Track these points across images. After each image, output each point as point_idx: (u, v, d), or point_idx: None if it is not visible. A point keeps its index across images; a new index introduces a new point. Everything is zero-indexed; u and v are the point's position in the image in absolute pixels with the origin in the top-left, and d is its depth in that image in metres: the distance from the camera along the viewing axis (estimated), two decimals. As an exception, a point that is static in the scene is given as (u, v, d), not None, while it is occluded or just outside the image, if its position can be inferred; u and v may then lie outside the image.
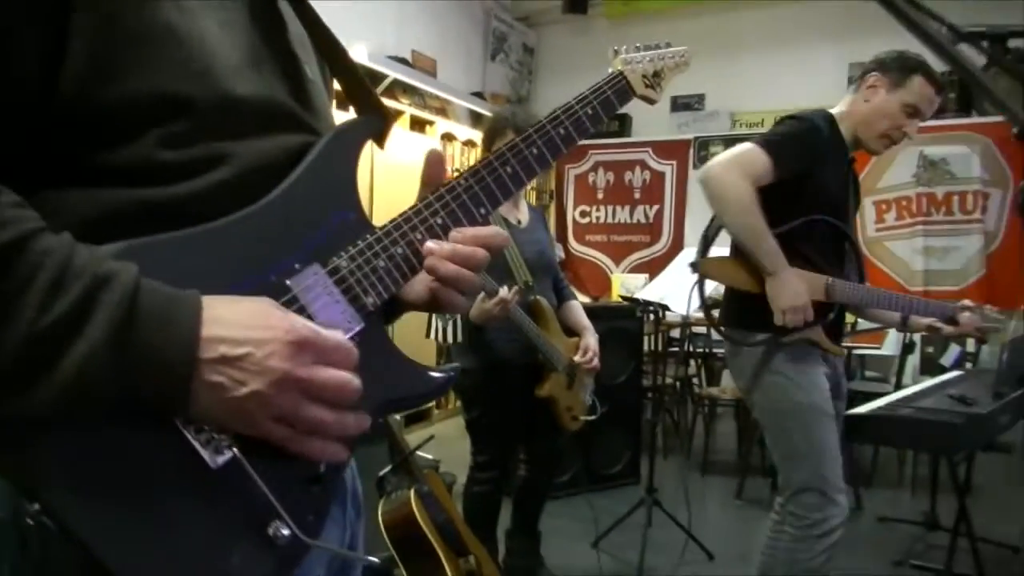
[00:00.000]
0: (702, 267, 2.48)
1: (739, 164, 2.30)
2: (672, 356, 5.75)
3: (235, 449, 0.70)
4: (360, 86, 0.93)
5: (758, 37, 6.85)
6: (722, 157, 2.36)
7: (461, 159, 6.70)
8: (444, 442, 3.65)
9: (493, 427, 2.97)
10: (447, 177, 0.93)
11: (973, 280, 6.02)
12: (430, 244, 0.86)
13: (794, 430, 2.39)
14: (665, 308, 4.21)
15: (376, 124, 0.92)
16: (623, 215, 7.57)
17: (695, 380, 6.09)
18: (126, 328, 0.63)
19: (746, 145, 2.34)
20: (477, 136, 6.70)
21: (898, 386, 4.88)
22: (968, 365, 5.08)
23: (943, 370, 4.79)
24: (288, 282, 0.78)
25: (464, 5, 7.12)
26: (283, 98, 0.84)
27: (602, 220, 7.64)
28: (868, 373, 5.95)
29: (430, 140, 6.16)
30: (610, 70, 1.09)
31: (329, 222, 0.83)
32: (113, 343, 0.62)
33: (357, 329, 0.81)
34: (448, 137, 6.56)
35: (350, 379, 0.73)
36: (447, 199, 0.90)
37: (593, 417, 3.10)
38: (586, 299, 6.04)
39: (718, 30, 6.80)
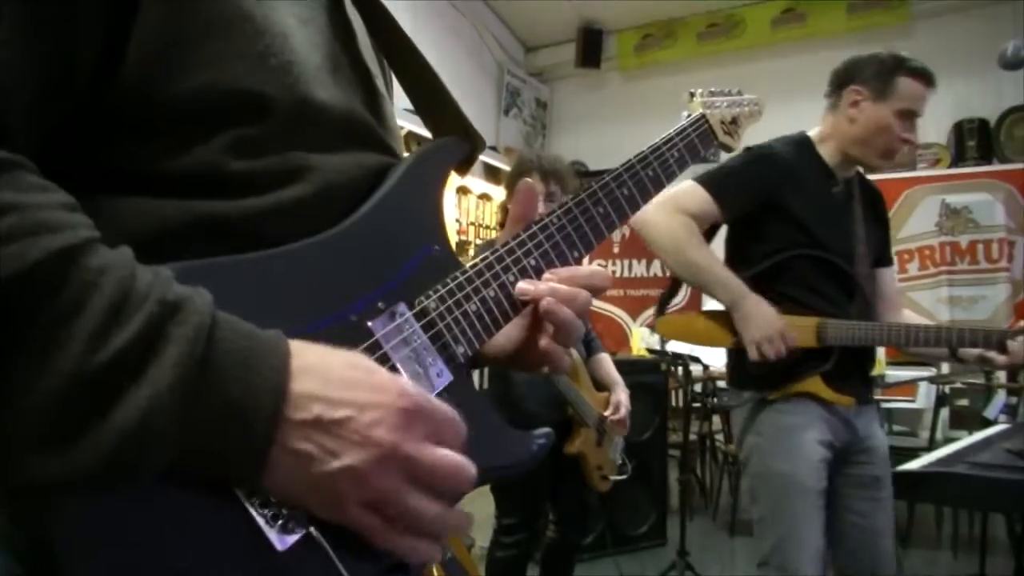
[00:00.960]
0: (659, 327, 2.33)
1: (672, 202, 2.12)
2: (694, 412, 5.60)
3: (312, 527, 0.57)
4: (444, 103, 0.82)
5: (776, 87, 6.81)
6: (658, 197, 2.16)
7: (476, 212, 6.63)
8: (461, 502, 3.50)
9: (520, 487, 2.82)
10: (537, 213, 0.83)
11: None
12: (523, 285, 0.76)
13: (764, 496, 2.18)
14: (697, 360, 4.08)
15: (464, 148, 0.81)
16: (640, 269, 7.46)
17: (718, 436, 5.92)
18: (200, 372, 0.50)
19: (686, 183, 2.17)
20: (491, 189, 6.65)
21: (931, 441, 4.71)
22: (1003, 417, 4.91)
23: (976, 425, 4.61)
24: (370, 324, 0.67)
25: (478, 60, 7.14)
26: (361, 111, 0.74)
27: (619, 274, 7.53)
28: (895, 427, 5.78)
29: (446, 193, 6.11)
30: (685, 113, 1.02)
31: (414, 256, 0.73)
32: (182, 391, 0.49)
33: (446, 383, 0.70)
34: (463, 190, 6.51)
35: (466, 464, 0.60)
36: (540, 239, 0.80)
37: (623, 477, 2.96)
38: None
39: (734, 81, 6.67)
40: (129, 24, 0.57)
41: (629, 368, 4.49)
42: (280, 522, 0.56)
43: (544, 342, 0.78)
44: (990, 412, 4.20)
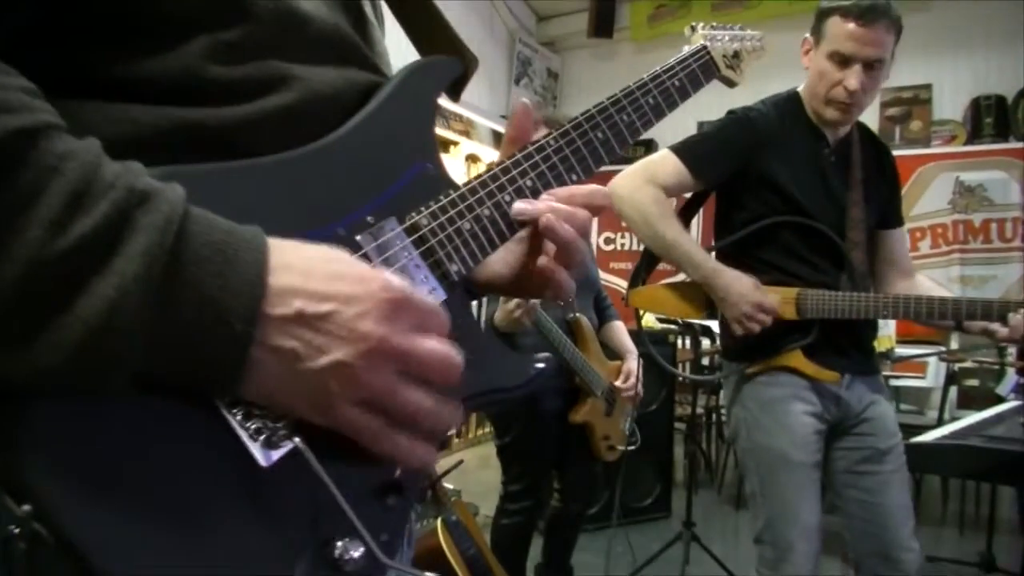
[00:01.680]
0: (631, 299, 2.23)
1: (643, 171, 2.04)
2: (701, 385, 5.57)
3: (297, 439, 0.54)
4: (434, 23, 0.79)
5: (792, 59, 6.73)
6: (631, 166, 2.09)
7: (485, 182, 6.60)
8: (465, 471, 3.50)
9: (527, 454, 2.80)
10: (534, 135, 0.80)
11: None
12: (520, 205, 0.73)
13: (753, 472, 2.11)
14: (708, 332, 4.05)
15: (456, 67, 0.78)
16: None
17: (724, 411, 5.90)
18: (170, 264, 0.46)
19: (660, 152, 2.09)
20: (501, 160, 6.62)
21: (940, 420, 4.69)
22: (1013, 396, 4.87)
23: (985, 405, 4.58)
24: (358, 238, 0.64)
25: (489, 29, 7.06)
26: (347, 28, 0.71)
27: (627, 247, 7.49)
28: (902, 406, 5.75)
29: (453, 160, 6.08)
30: (686, 48, 1.00)
31: (405, 172, 0.70)
32: (150, 283, 0.45)
33: (440, 300, 0.67)
34: (472, 158, 6.48)
35: (454, 354, 0.57)
36: (537, 159, 0.77)
37: (632, 447, 2.94)
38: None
39: (747, 54, 6.68)
40: None
41: (637, 339, 4.47)
42: (264, 436, 0.53)
43: (544, 261, 0.76)
44: (1002, 389, 4.17)
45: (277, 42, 0.62)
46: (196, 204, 0.50)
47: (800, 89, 2.17)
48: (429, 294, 0.67)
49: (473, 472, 3.97)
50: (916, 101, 6.31)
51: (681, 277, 2.15)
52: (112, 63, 0.56)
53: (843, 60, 1.99)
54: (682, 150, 2.06)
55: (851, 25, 1.95)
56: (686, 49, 0.99)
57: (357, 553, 0.56)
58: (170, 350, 0.47)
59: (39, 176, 0.44)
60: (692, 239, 2.08)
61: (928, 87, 6.19)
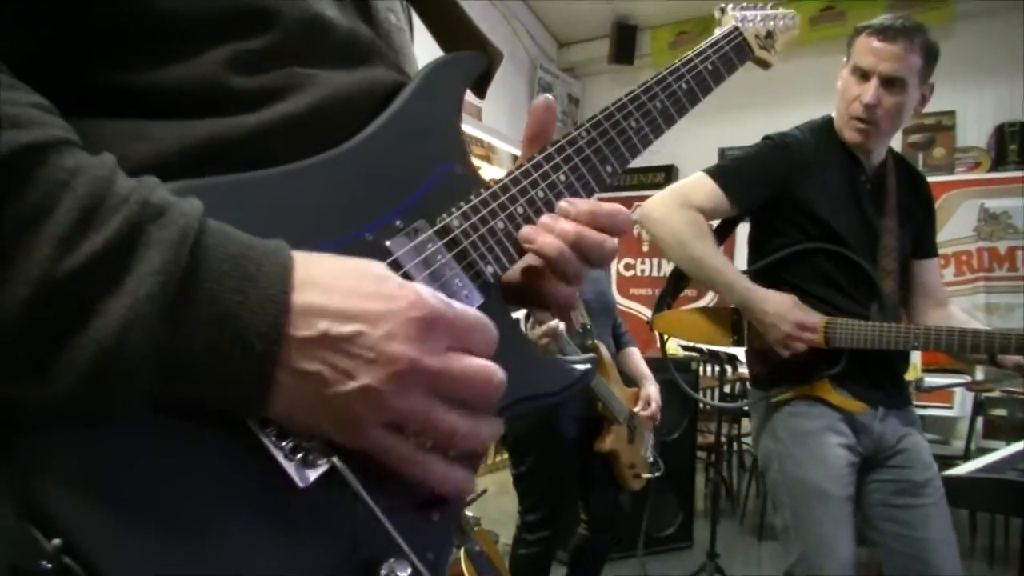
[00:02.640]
0: (656, 323, 2.19)
1: (677, 194, 2.01)
2: (725, 412, 5.52)
3: (335, 458, 0.52)
4: (457, 19, 0.76)
5: (814, 86, 6.71)
6: (665, 189, 2.07)
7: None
8: (484, 498, 3.47)
9: (544, 483, 2.77)
10: (552, 134, 0.77)
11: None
12: (527, 231, 0.68)
13: (786, 505, 2.05)
14: (734, 360, 4.01)
15: (480, 62, 0.74)
16: (669, 268, 7.38)
17: (746, 439, 5.83)
18: (186, 280, 0.44)
19: (695, 175, 2.05)
20: (521, 185, 6.61)
21: (967, 450, 4.61)
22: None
23: (1013, 435, 4.50)
24: (388, 243, 0.61)
25: (510, 54, 7.09)
26: (371, 34, 0.69)
27: (647, 273, 7.46)
28: (928, 435, 5.66)
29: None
30: (718, 30, 0.97)
31: (433, 173, 0.67)
32: (165, 302, 0.43)
33: (477, 304, 0.65)
34: (494, 183, 6.48)
35: (496, 370, 0.54)
36: (569, 152, 0.74)
37: (657, 475, 2.90)
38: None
39: (767, 80, 6.60)
40: None
41: (659, 366, 4.43)
42: (300, 455, 0.51)
43: (550, 284, 0.72)
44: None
45: (300, 50, 0.61)
46: (215, 217, 0.48)
47: (834, 115, 2.15)
48: (465, 298, 0.64)
49: (492, 499, 3.92)
50: (939, 128, 6.27)
51: (705, 302, 2.13)
52: (131, 77, 0.54)
53: (863, 74, 1.98)
54: (718, 174, 2.04)
55: (873, 40, 1.97)
56: (717, 32, 0.96)
57: (404, 574, 0.53)
58: (188, 371, 0.45)
59: (49, 192, 0.43)
60: (727, 260, 2.05)
61: (951, 113, 6.15)
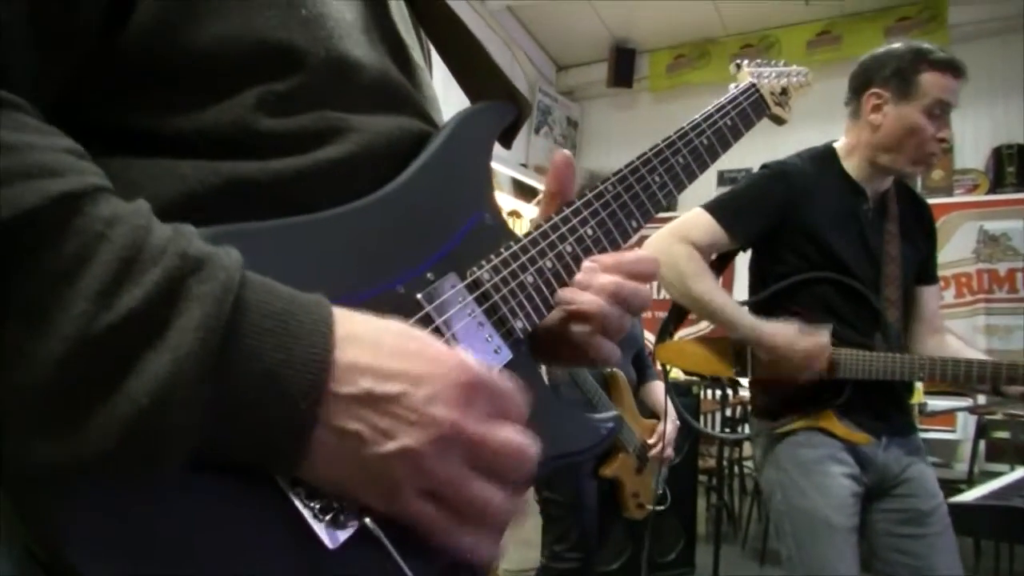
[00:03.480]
0: (658, 354, 2.18)
1: (677, 231, 1.99)
2: (726, 443, 5.49)
3: (367, 519, 0.50)
4: (484, 66, 0.76)
5: (811, 110, 6.73)
6: (664, 226, 2.05)
7: (505, 230, 6.59)
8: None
9: (568, 509, 2.71)
10: (573, 188, 0.77)
11: (1041, 361, 5.73)
12: (565, 294, 0.69)
13: (789, 535, 2.00)
14: (736, 384, 3.98)
15: (509, 112, 0.74)
16: (660, 283, 7.37)
17: (747, 463, 5.80)
18: (228, 337, 0.43)
19: (694, 210, 2.04)
20: (520, 206, 6.61)
21: (971, 473, 4.58)
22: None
23: (1016, 457, 4.48)
24: (419, 296, 0.61)
25: (509, 77, 7.13)
26: (397, 74, 0.69)
27: (653, 296, 7.45)
28: (931, 459, 5.63)
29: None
30: (732, 86, 0.98)
31: (464, 224, 0.66)
32: (207, 358, 0.42)
33: (505, 361, 0.65)
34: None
35: (531, 445, 0.53)
36: (596, 206, 0.75)
37: (662, 507, 2.86)
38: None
39: (767, 103, 6.71)
40: None
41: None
42: (330, 515, 0.50)
43: (584, 331, 0.70)
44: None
45: (331, 91, 0.60)
46: (249, 267, 0.47)
47: (838, 145, 2.14)
48: (495, 353, 0.64)
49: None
50: (937, 150, 6.29)
51: (704, 325, 2.12)
52: (160, 118, 0.54)
53: (942, 112, 1.97)
54: (715, 207, 2.02)
55: (949, 79, 1.97)
56: (734, 88, 0.97)
57: None
58: (228, 429, 0.44)
59: (85, 244, 0.41)
60: (728, 296, 2.03)
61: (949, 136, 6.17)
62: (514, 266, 0.67)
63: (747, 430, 5.39)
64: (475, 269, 0.65)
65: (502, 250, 0.67)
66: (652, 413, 2.89)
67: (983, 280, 5.93)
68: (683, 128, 0.85)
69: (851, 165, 2.08)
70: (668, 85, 7.36)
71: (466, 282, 0.64)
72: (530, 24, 7.17)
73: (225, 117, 0.55)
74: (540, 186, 2.60)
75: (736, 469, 5.64)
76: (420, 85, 0.74)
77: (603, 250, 0.74)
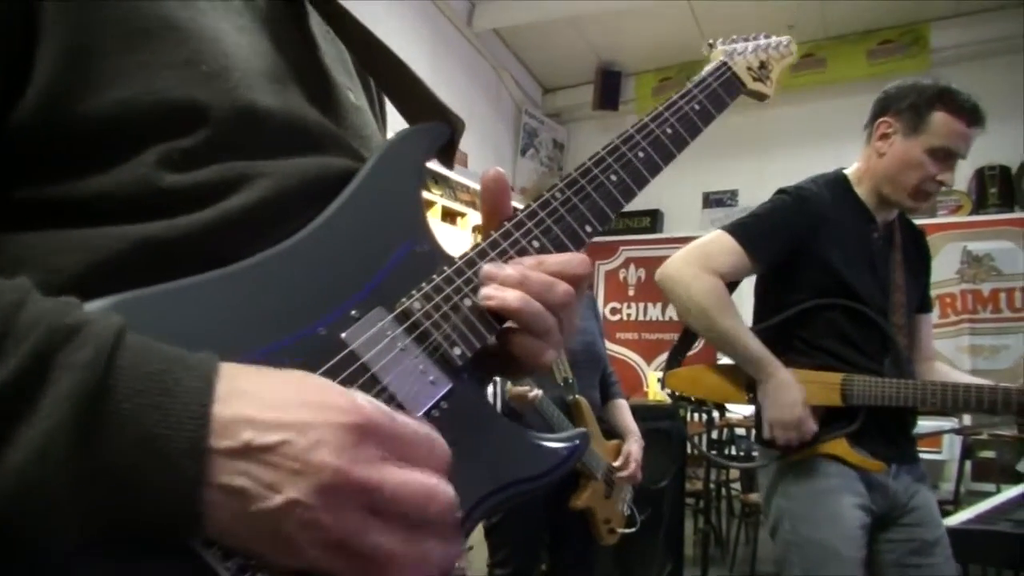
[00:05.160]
0: (668, 381, 2.14)
1: (701, 256, 1.96)
2: (716, 463, 5.48)
3: None
4: (416, 91, 0.74)
5: (793, 133, 6.80)
6: (684, 249, 2.01)
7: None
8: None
9: (517, 535, 2.69)
10: (510, 206, 0.71)
11: (1024, 381, 5.76)
12: (487, 290, 0.63)
13: (797, 566, 1.96)
14: (721, 408, 3.97)
15: (442, 133, 0.72)
16: (655, 312, 7.38)
17: (735, 485, 5.79)
18: (100, 402, 0.42)
19: (714, 233, 2.01)
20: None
21: (957, 493, 4.58)
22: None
23: (1002, 478, 4.48)
24: (343, 335, 0.58)
25: (496, 100, 7.15)
26: (319, 118, 0.67)
27: (633, 317, 7.45)
28: (918, 479, 5.64)
29: (461, 232, 6.09)
30: (707, 67, 0.93)
31: (392, 255, 0.64)
32: (79, 426, 0.41)
33: (444, 390, 0.61)
34: (479, 229, 6.48)
35: (438, 486, 0.49)
36: (541, 216, 0.70)
37: (632, 530, 2.84)
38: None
39: (752, 125, 6.72)
40: (29, 49, 0.52)
41: (645, 414, 4.40)
42: (248, 575, 0.47)
43: (517, 339, 0.65)
44: (1023, 466, 4.09)
45: (237, 142, 0.59)
46: (149, 330, 0.46)
47: (849, 171, 2.14)
48: (430, 384, 0.60)
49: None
50: (921, 171, 6.34)
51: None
52: (56, 186, 0.53)
53: (947, 156, 1.97)
54: (738, 231, 1.99)
55: (963, 125, 1.95)
56: (705, 69, 0.92)
57: None
58: (112, 497, 0.42)
59: None
60: (752, 335, 2.00)
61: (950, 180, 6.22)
62: (448, 291, 0.63)
63: (733, 452, 5.38)
64: (404, 300, 0.62)
65: (434, 276, 0.64)
66: (614, 433, 2.86)
67: (967, 300, 5.96)
68: (642, 120, 0.80)
69: (862, 191, 2.08)
70: (654, 107, 7.39)
71: (394, 314, 0.61)
72: (517, 47, 7.21)
73: (127, 178, 0.54)
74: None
75: (724, 491, 5.61)
76: (351, 125, 0.72)
77: None
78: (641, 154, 0.77)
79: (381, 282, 0.62)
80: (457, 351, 0.62)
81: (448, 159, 0.73)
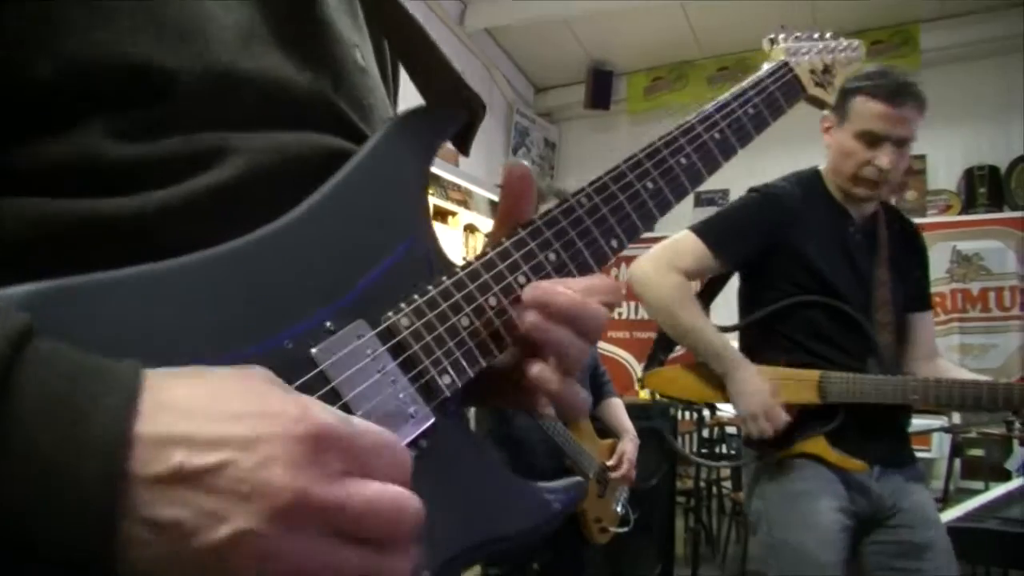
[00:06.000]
0: (647, 381, 2.17)
1: (667, 255, 1.97)
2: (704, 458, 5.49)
3: None
4: (433, 61, 0.63)
5: (784, 132, 6.78)
6: (653, 248, 2.02)
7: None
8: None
9: None
10: (531, 210, 0.62)
11: (1015, 380, 5.77)
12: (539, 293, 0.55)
13: (774, 569, 1.94)
14: (713, 408, 3.98)
15: (458, 116, 0.62)
16: (646, 311, 7.37)
17: (726, 484, 5.80)
18: None
19: (682, 232, 2.02)
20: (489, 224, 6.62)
21: (946, 491, 4.60)
22: None
23: (991, 475, 4.50)
24: (314, 351, 0.49)
25: (487, 99, 7.03)
26: (313, 83, 0.58)
27: (624, 316, 7.45)
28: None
29: (452, 231, 6.08)
30: (766, 65, 0.84)
31: (385, 258, 0.54)
32: None
33: (425, 427, 0.52)
34: (470, 228, 6.48)
35: (408, 498, 0.43)
36: (563, 225, 0.60)
37: (625, 529, 2.83)
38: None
39: (742, 125, 6.75)
40: None
41: (638, 412, 4.40)
42: None
43: (536, 370, 0.57)
44: (1011, 464, 4.11)
45: (207, 112, 0.51)
46: (73, 329, 0.40)
47: (822, 167, 2.13)
48: (411, 419, 0.51)
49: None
50: (911, 171, 6.36)
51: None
52: (3, 152, 0.47)
53: (873, 140, 1.95)
54: (703, 230, 2.01)
55: (880, 105, 1.93)
56: (764, 67, 0.82)
57: None
58: (19, 535, 0.36)
59: None
60: (713, 327, 2.01)
61: (922, 158, 6.24)
62: (444, 307, 0.54)
63: (724, 451, 5.38)
64: (391, 313, 0.53)
65: (429, 288, 0.55)
66: (608, 431, 2.85)
67: (957, 300, 5.99)
68: (688, 122, 0.69)
69: (832, 188, 2.08)
70: (646, 107, 7.40)
71: (378, 330, 0.52)
72: (508, 46, 7.20)
73: (69, 148, 0.47)
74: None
75: (714, 490, 5.62)
76: (352, 89, 0.62)
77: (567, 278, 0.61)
78: (684, 160, 0.68)
79: (366, 290, 0.53)
80: (447, 379, 0.54)
81: (464, 145, 0.64)
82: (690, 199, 7.73)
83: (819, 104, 0.90)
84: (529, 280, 0.58)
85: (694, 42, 6.93)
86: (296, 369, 0.48)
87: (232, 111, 0.52)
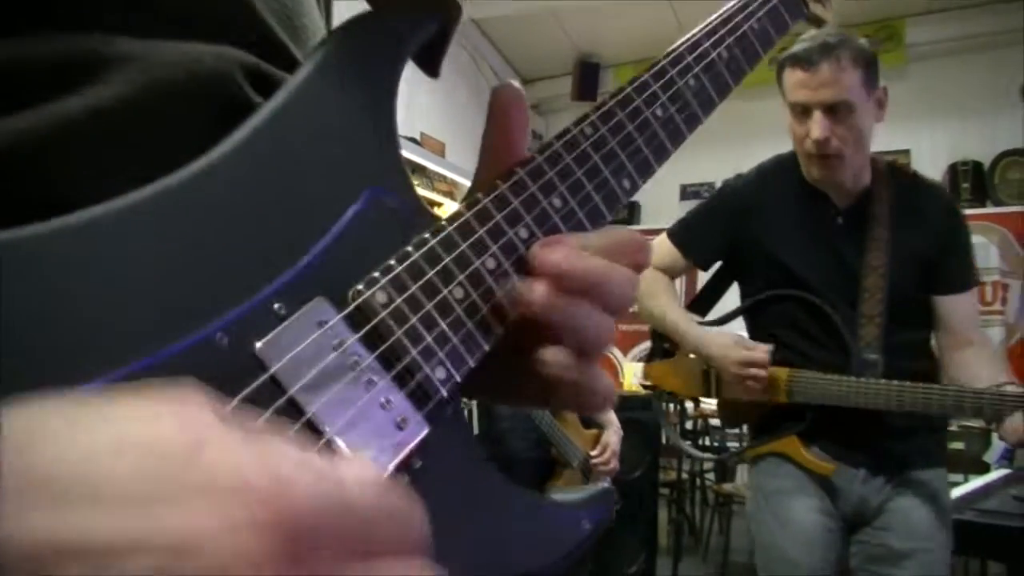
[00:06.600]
0: (646, 374, 2.20)
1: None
2: (705, 461, 5.51)
3: None
4: None
5: (770, 126, 6.79)
6: None
7: (468, 243, 6.58)
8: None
9: None
10: (525, 140, 0.49)
11: (996, 374, 5.82)
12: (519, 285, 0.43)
13: (762, 569, 1.88)
14: (697, 400, 3.99)
15: (424, 25, 0.45)
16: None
17: (709, 475, 5.83)
18: None
19: (658, 237, 2.04)
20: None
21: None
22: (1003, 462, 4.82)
23: (972, 468, 4.54)
24: (259, 345, 0.35)
25: (474, 90, 7.13)
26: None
27: (614, 308, 7.47)
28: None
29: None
30: None
31: (344, 213, 0.40)
32: None
33: (417, 439, 0.38)
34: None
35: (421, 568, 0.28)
36: (567, 162, 0.48)
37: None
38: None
39: (730, 118, 6.71)
40: None
41: (621, 404, 4.40)
42: None
43: (551, 354, 0.43)
44: (989, 457, 4.15)
45: (97, 9, 0.36)
46: None
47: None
48: (398, 431, 0.37)
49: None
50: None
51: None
52: None
53: (802, 110, 1.79)
54: (673, 230, 2.05)
55: (797, 72, 1.78)
56: None
57: None
58: None
59: None
60: (682, 312, 2.01)
61: (906, 152, 6.27)
62: (431, 275, 0.40)
63: (707, 443, 5.39)
64: (361, 287, 0.38)
65: (410, 249, 0.40)
66: (592, 422, 2.86)
67: (940, 294, 6.02)
68: (695, 36, 0.59)
69: (806, 171, 1.92)
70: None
71: (346, 311, 0.38)
72: (495, 37, 7.18)
73: None
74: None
75: (697, 482, 5.65)
76: (284, 7, 0.46)
77: (579, 228, 0.48)
78: (693, 82, 0.57)
79: (324, 255, 0.38)
80: (441, 374, 0.40)
81: (434, 64, 0.48)
82: (676, 192, 7.73)
83: (817, 22, 0.82)
84: (533, 235, 0.45)
85: (681, 35, 6.89)
86: (235, 375, 0.33)
87: (132, 17, 0.37)
